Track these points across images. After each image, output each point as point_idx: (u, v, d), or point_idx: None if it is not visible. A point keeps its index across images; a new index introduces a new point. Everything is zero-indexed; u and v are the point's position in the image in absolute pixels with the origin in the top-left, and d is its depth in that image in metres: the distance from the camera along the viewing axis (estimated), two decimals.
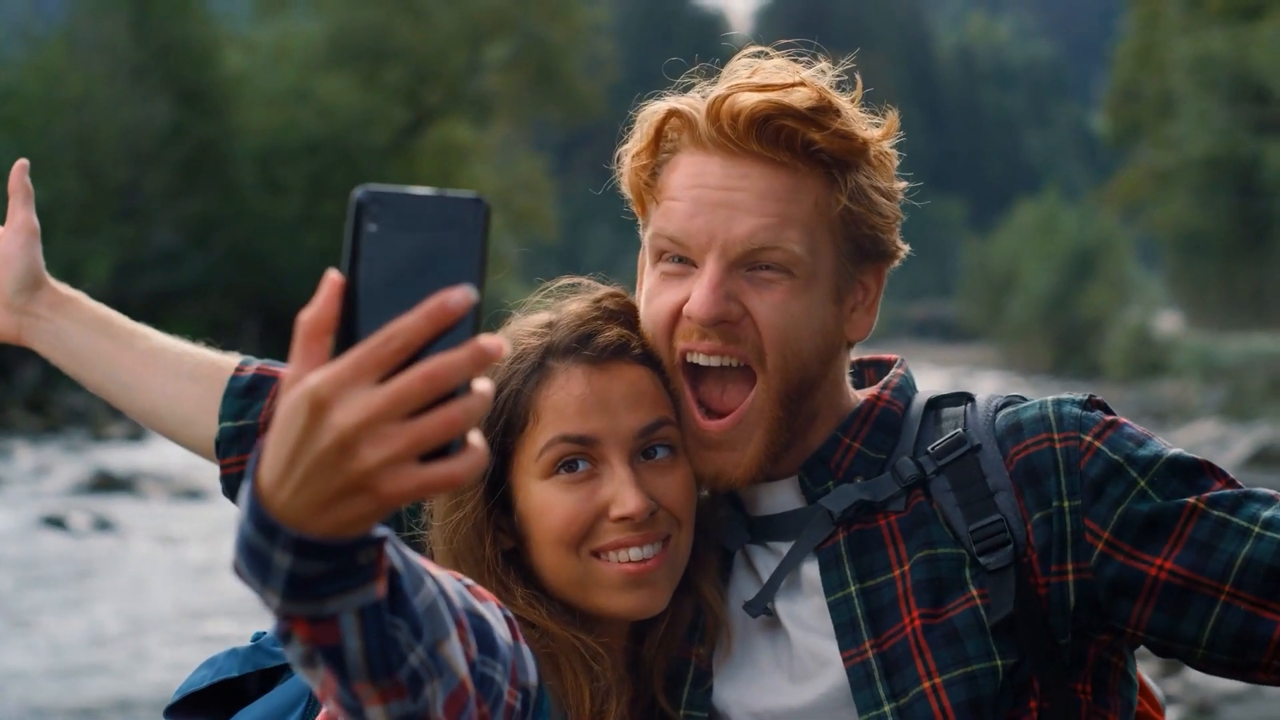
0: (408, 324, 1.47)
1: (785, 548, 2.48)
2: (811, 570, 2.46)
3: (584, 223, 76.23)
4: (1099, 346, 52.34)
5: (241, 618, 13.84)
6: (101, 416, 30.19)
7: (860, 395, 2.56)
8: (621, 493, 2.39)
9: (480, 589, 1.92)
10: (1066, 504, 2.36)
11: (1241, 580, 2.30)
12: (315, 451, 1.47)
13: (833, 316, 2.46)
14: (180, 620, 14.24)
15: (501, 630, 1.89)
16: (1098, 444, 2.37)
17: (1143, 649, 2.51)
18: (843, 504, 2.45)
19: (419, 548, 2.49)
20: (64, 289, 2.85)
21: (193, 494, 21.75)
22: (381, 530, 1.56)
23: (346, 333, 1.50)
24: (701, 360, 2.44)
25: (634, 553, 2.40)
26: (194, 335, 2.91)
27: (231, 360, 2.83)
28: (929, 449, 2.45)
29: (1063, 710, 2.37)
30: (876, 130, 2.47)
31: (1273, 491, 2.39)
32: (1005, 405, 2.48)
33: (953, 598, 2.37)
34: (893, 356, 2.66)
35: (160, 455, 24.98)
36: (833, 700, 2.40)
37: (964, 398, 2.55)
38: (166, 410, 2.82)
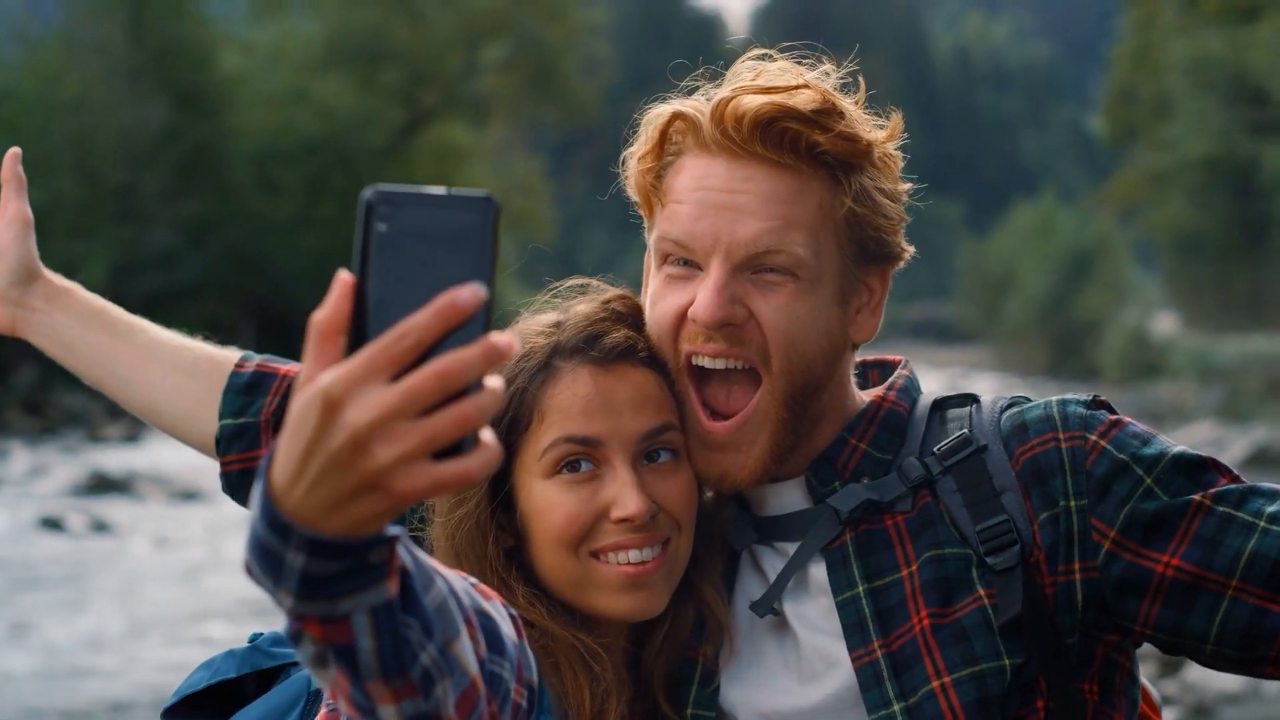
0: (418, 322, 1.47)
1: (792, 548, 2.49)
2: (819, 571, 2.47)
3: (581, 224, 76.21)
4: (1096, 348, 52.35)
5: (238, 619, 13.84)
6: (98, 418, 30.19)
7: (865, 396, 2.56)
8: (623, 494, 2.39)
9: (485, 587, 1.93)
10: (1073, 503, 2.37)
11: (1248, 575, 2.31)
12: (328, 451, 1.47)
13: (838, 318, 2.46)
14: (177, 621, 14.23)
15: (507, 629, 1.89)
16: (1103, 443, 2.38)
17: (1140, 649, 2.52)
18: (850, 503, 2.45)
19: (420, 544, 2.49)
20: (59, 281, 2.83)
21: (190, 495, 21.74)
22: (393, 529, 1.56)
23: (358, 332, 1.50)
24: (706, 363, 2.44)
25: (633, 555, 2.40)
26: (191, 334, 2.89)
27: (231, 355, 2.82)
28: (935, 450, 2.46)
29: (1069, 709, 2.38)
30: (880, 132, 2.47)
31: (1277, 486, 2.40)
32: (1010, 406, 2.49)
33: (960, 597, 2.38)
34: (897, 358, 2.67)
35: (157, 457, 24.97)
36: (841, 700, 2.41)
37: (969, 399, 2.55)
38: (165, 405, 2.81)
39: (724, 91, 2.44)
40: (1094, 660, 2.41)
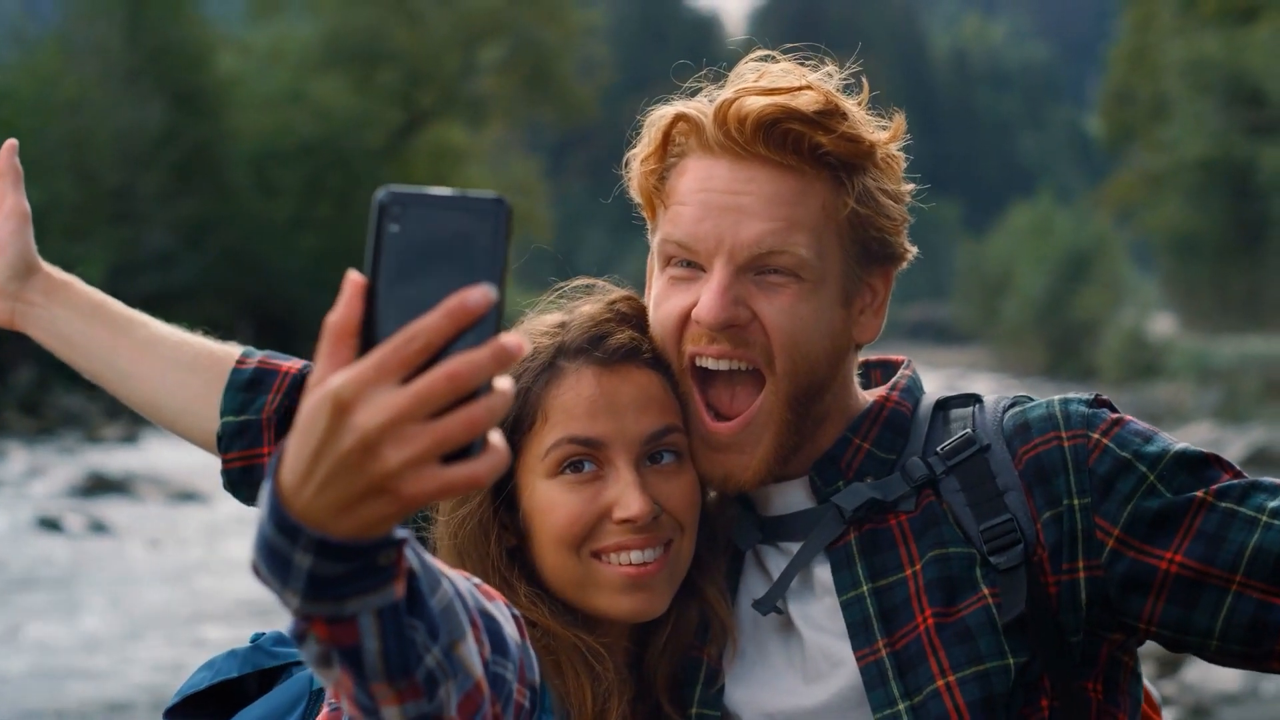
0: (429, 323, 1.47)
1: (796, 548, 2.49)
2: (823, 571, 2.47)
3: (578, 225, 76.22)
4: (1093, 349, 52.34)
5: (235, 620, 13.83)
6: (96, 419, 30.17)
7: (869, 396, 2.57)
8: (625, 495, 2.39)
9: (488, 588, 1.93)
10: (1076, 502, 2.37)
11: (1252, 569, 2.32)
12: (338, 453, 1.48)
13: (841, 319, 2.47)
14: (174, 622, 14.23)
15: (510, 629, 1.90)
16: (1105, 441, 2.39)
17: (1139, 649, 2.52)
18: (854, 502, 2.45)
19: (424, 543, 2.49)
20: (58, 274, 2.83)
21: (187, 496, 21.73)
22: (401, 532, 1.56)
23: (369, 333, 1.51)
24: (710, 364, 2.44)
25: (635, 555, 2.40)
26: (190, 330, 2.88)
27: (232, 351, 2.82)
28: (938, 449, 2.46)
29: (1073, 708, 2.39)
30: (883, 133, 2.48)
31: (1279, 481, 2.40)
32: (1013, 405, 2.50)
33: (964, 597, 2.39)
34: (899, 358, 2.67)
35: (155, 457, 24.97)
36: (846, 700, 2.41)
37: (972, 398, 2.56)
38: (165, 401, 2.81)
39: (727, 93, 2.45)
40: (1098, 659, 2.41)
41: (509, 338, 1.47)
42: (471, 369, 1.46)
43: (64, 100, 38.44)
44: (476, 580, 1.91)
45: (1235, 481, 2.37)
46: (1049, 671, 2.37)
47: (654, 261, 2.53)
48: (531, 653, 1.96)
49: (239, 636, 2.63)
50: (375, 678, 1.63)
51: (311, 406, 1.49)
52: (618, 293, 2.56)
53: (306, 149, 42.63)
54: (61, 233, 33.13)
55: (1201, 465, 2.38)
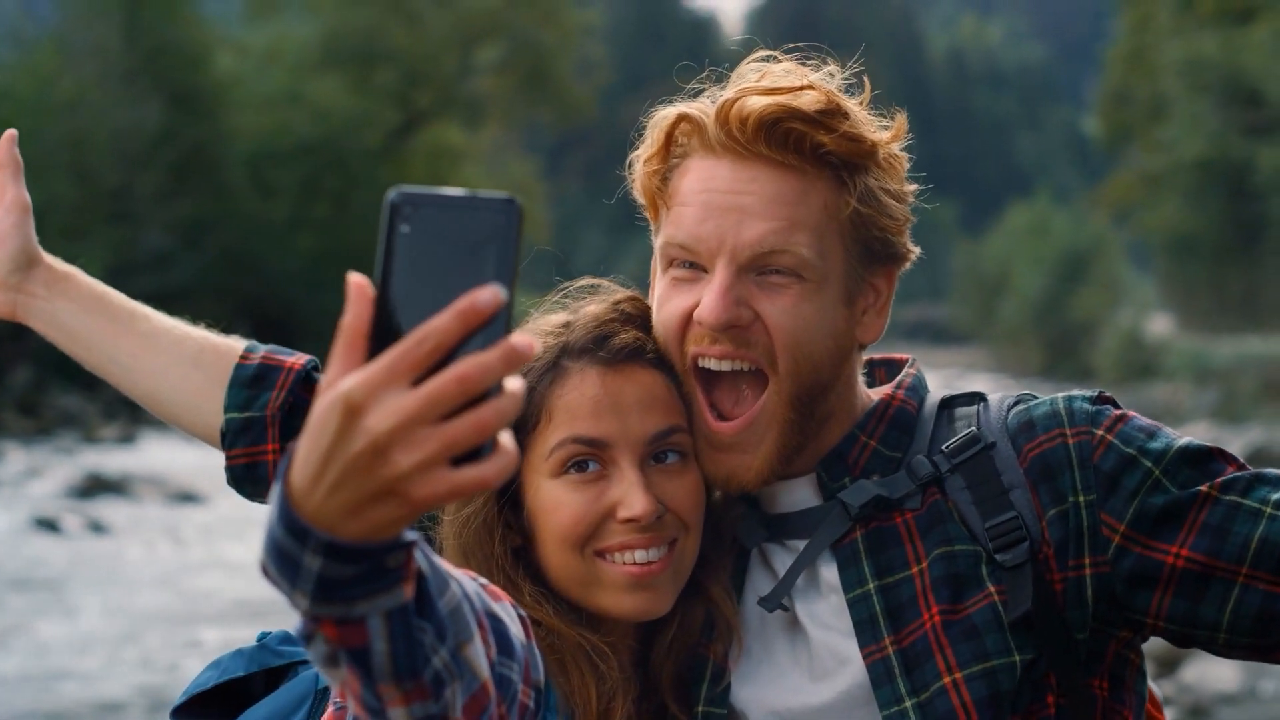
0: (439, 325, 1.47)
1: (802, 545, 2.50)
2: (829, 569, 2.48)
3: (575, 225, 76.15)
4: (1090, 349, 52.35)
5: (233, 621, 13.83)
6: (93, 419, 30.15)
7: (873, 395, 2.57)
8: (630, 495, 2.40)
9: (494, 588, 1.94)
10: (1082, 499, 2.38)
11: (1258, 561, 2.33)
12: (348, 456, 1.48)
13: (844, 319, 2.47)
14: (171, 623, 14.22)
15: (516, 630, 1.90)
16: (1110, 437, 2.40)
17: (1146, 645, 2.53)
18: (861, 499, 2.46)
19: (428, 542, 2.49)
20: (60, 265, 2.82)
21: (185, 497, 21.73)
22: (410, 534, 1.57)
23: (380, 334, 1.51)
24: (713, 365, 2.45)
25: (639, 555, 2.41)
26: (193, 323, 2.87)
27: (235, 346, 2.81)
28: (943, 447, 2.47)
29: (1079, 705, 2.39)
30: (885, 133, 2.48)
31: None
32: (1017, 403, 2.51)
33: (971, 594, 2.39)
34: (904, 356, 2.68)
35: (152, 458, 24.96)
36: (853, 698, 2.42)
37: (976, 397, 2.57)
38: (168, 395, 2.80)
39: (729, 93, 2.45)
40: (1105, 656, 2.42)
41: (519, 338, 1.47)
42: (481, 371, 1.46)
43: (61, 100, 38.43)
44: (483, 581, 1.91)
45: (1239, 474, 2.39)
46: (1055, 669, 2.38)
47: (657, 263, 2.53)
48: (537, 653, 1.97)
49: (236, 637, 2.64)
50: (383, 679, 1.63)
51: (323, 409, 1.49)
52: (622, 293, 2.56)
53: (304, 149, 42.62)
54: (59, 233, 33.12)
55: (1206, 459, 2.39)
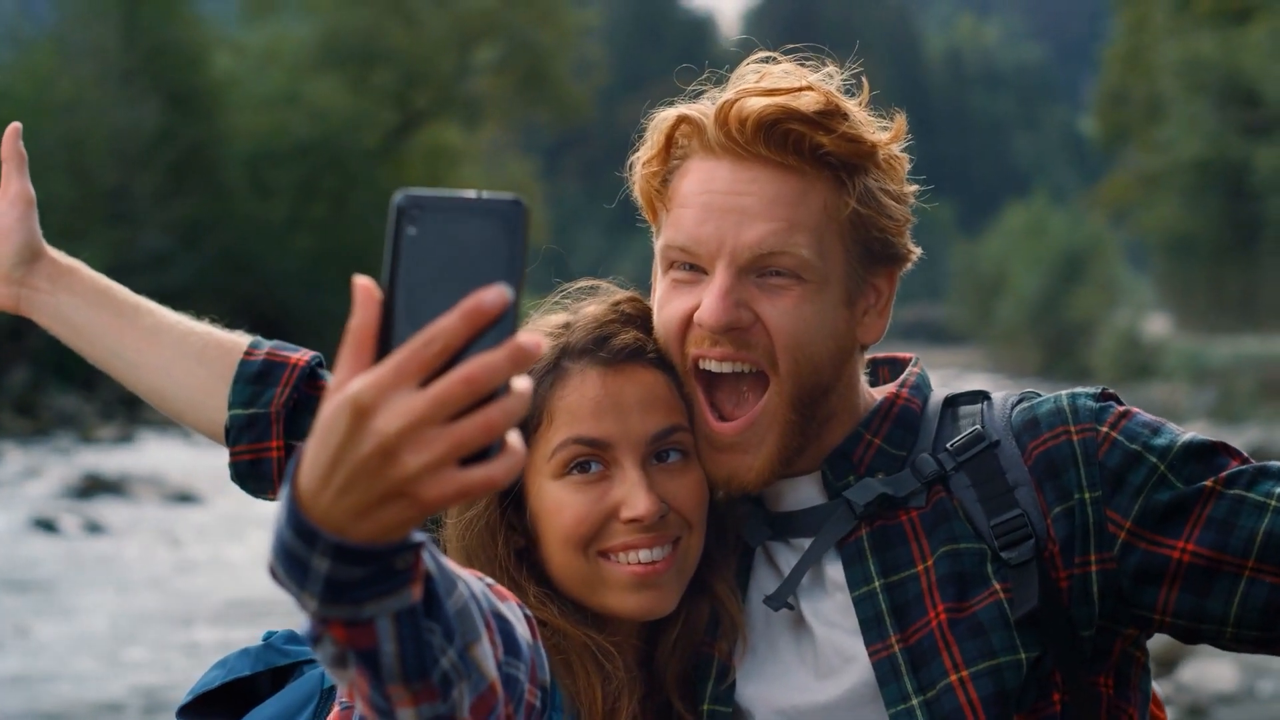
0: (445, 326, 1.48)
1: (807, 544, 2.50)
2: (835, 567, 2.48)
3: (573, 226, 76.12)
4: (1088, 349, 52.36)
5: (231, 621, 13.83)
6: (91, 419, 30.15)
7: (877, 393, 2.58)
8: (632, 495, 2.40)
9: (500, 588, 1.94)
10: (1087, 496, 2.39)
11: (1264, 554, 2.34)
12: (357, 458, 1.48)
13: (844, 320, 2.47)
14: (169, 623, 14.22)
15: (522, 630, 1.91)
16: (1114, 434, 2.40)
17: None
18: (866, 496, 2.46)
19: (434, 543, 2.49)
20: (64, 259, 2.82)
21: (183, 497, 21.74)
22: (419, 535, 1.57)
23: (388, 336, 1.51)
24: (714, 367, 2.45)
25: (643, 554, 2.41)
26: (197, 318, 2.87)
27: (239, 341, 2.81)
28: (948, 446, 2.48)
29: (1084, 703, 2.40)
30: (884, 134, 2.49)
31: None
32: (1021, 401, 2.51)
33: (976, 592, 2.40)
34: (908, 355, 2.68)
35: (150, 458, 24.96)
36: (859, 696, 2.43)
37: (980, 395, 2.57)
38: (172, 391, 2.79)
39: (728, 94, 2.45)
40: (1110, 654, 2.43)
41: (526, 338, 1.48)
42: (488, 372, 1.47)
43: (59, 101, 38.43)
44: (489, 581, 1.92)
45: (1243, 468, 2.40)
46: (1060, 666, 2.38)
47: (658, 265, 2.53)
48: (543, 652, 1.98)
49: (233, 637, 2.65)
50: (392, 680, 1.64)
51: (331, 411, 1.49)
52: (622, 293, 2.57)
53: (302, 149, 42.63)
54: (57, 233, 32.87)
55: (1210, 453, 2.40)
